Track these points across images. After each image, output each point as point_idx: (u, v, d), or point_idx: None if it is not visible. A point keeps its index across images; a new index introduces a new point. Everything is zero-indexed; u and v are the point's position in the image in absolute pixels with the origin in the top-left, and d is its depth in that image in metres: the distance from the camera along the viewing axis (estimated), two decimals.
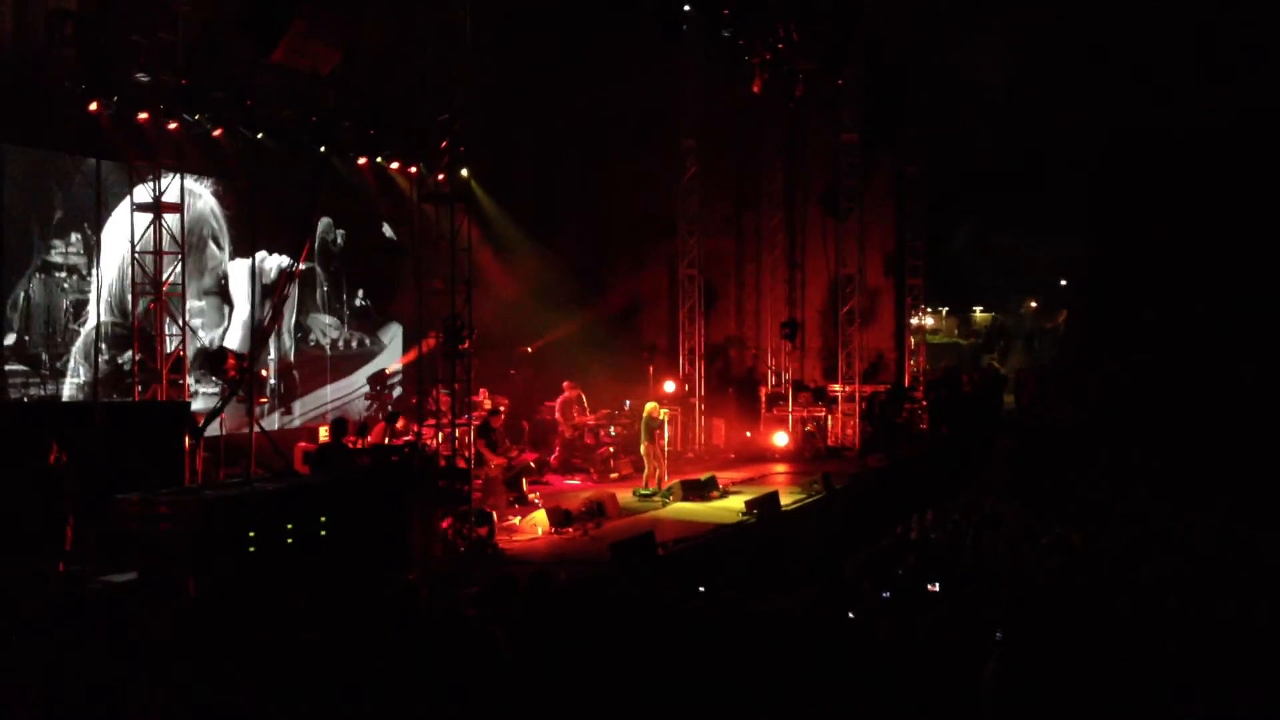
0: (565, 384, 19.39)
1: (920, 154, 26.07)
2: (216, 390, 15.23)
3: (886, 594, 9.97)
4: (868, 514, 16.63)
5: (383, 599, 9.95)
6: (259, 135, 16.58)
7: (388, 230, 19.81)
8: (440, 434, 13.33)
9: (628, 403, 19.90)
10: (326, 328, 18.91)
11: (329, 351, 18.91)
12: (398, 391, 19.92)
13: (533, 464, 16.73)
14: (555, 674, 8.05)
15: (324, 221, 18.71)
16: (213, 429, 13.81)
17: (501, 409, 16.54)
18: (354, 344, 19.34)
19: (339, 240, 19.03)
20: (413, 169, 18.81)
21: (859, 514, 16.77)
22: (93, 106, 13.99)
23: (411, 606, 9.50)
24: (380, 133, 18.36)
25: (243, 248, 16.99)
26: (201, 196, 16.47)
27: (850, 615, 9.41)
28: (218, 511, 9.86)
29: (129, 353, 14.02)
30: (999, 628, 8.84)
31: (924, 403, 25.19)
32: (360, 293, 19.46)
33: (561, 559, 12.69)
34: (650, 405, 17.23)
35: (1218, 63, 26.06)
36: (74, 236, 14.87)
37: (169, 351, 13.37)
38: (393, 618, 9.27)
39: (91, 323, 14.91)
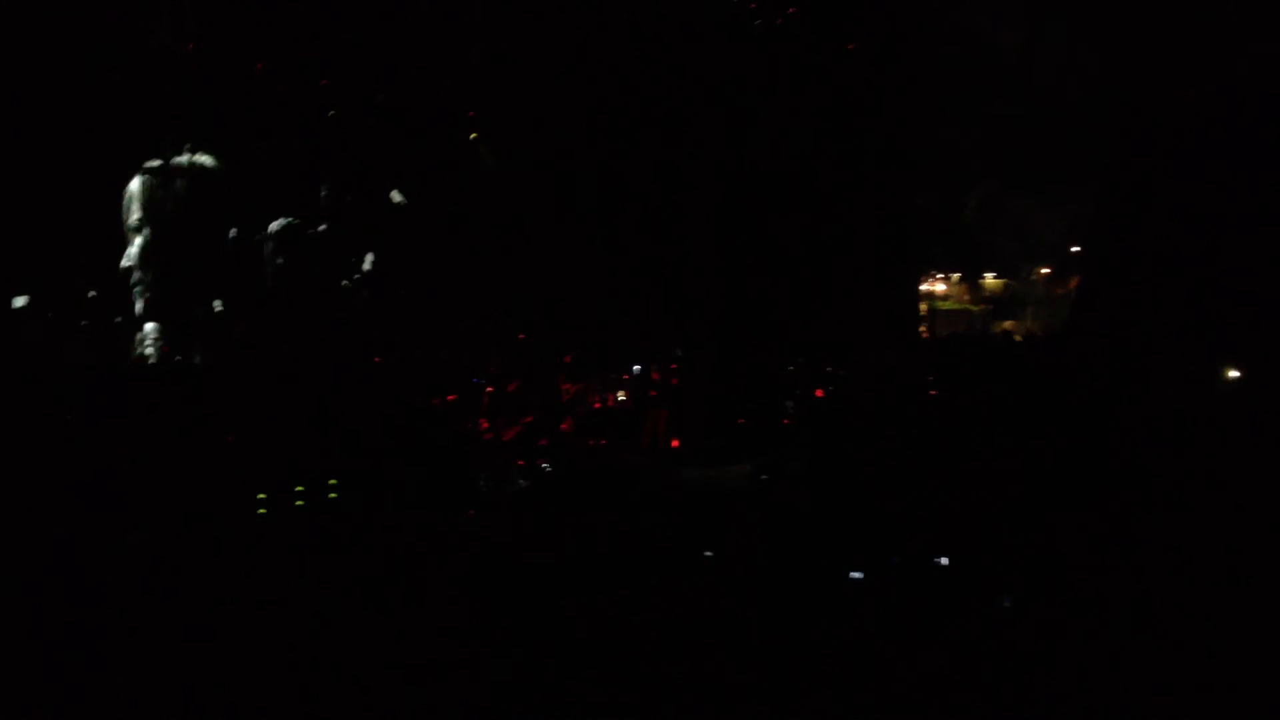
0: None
1: (933, 118, 25.86)
2: None
3: (895, 559, 10.01)
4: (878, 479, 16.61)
5: None
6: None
7: (396, 195, 19.73)
8: None
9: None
10: None
11: None
12: None
13: None
14: None
15: None
16: None
17: None
18: None
19: None
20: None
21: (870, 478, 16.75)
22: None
23: None
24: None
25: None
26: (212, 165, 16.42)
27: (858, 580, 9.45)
28: None
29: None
30: (1008, 593, 8.87)
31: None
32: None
33: None
34: None
35: (1238, 27, 25.71)
36: None
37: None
38: None
39: None
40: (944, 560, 10.24)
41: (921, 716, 7.39)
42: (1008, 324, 35.98)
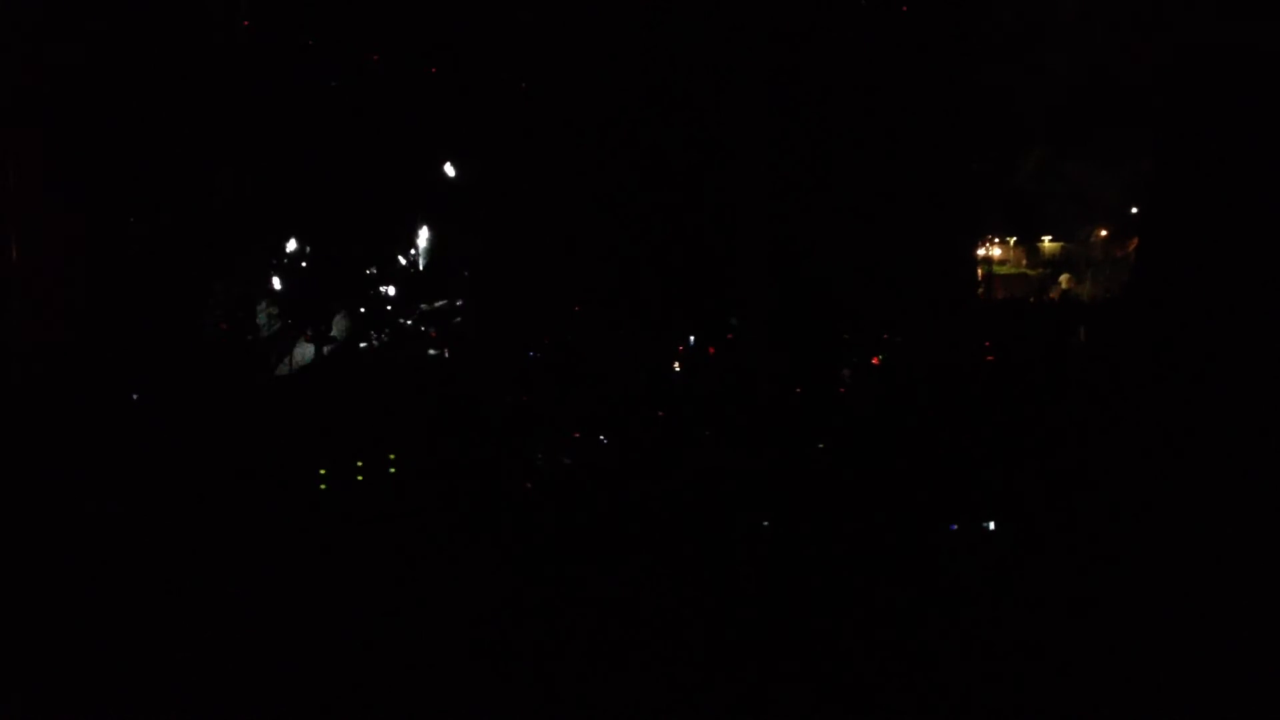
0: None
1: (986, 80, 25.48)
2: None
3: (954, 526, 9.99)
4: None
5: None
6: None
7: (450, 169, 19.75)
8: None
9: None
10: None
11: None
12: None
13: None
14: None
15: None
16: None
17: None
18: None
19: None
20: None
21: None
22: None
23: None
24: None
25: None
26: None
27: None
28: None
29: None
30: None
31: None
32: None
33: None
34: None
35: None
36: None
37: None
38: None
39: None
40: (991, 525, 10.22)
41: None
42: (1064, 279, 35.50)
